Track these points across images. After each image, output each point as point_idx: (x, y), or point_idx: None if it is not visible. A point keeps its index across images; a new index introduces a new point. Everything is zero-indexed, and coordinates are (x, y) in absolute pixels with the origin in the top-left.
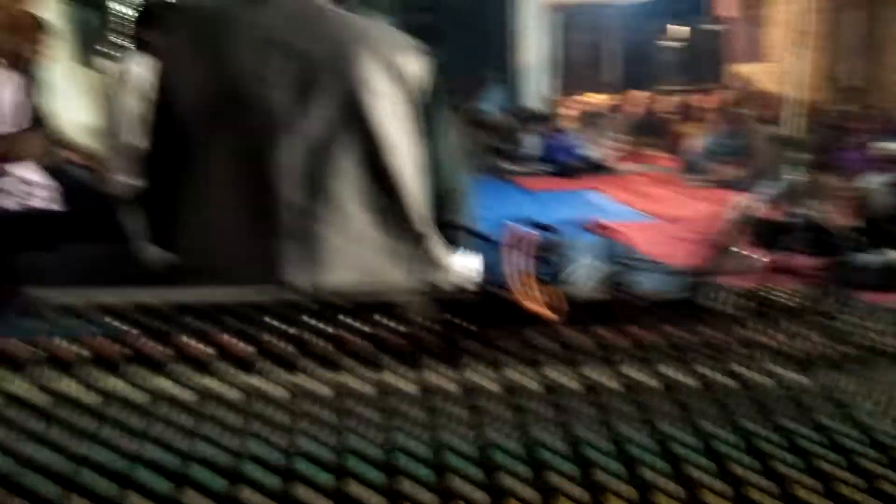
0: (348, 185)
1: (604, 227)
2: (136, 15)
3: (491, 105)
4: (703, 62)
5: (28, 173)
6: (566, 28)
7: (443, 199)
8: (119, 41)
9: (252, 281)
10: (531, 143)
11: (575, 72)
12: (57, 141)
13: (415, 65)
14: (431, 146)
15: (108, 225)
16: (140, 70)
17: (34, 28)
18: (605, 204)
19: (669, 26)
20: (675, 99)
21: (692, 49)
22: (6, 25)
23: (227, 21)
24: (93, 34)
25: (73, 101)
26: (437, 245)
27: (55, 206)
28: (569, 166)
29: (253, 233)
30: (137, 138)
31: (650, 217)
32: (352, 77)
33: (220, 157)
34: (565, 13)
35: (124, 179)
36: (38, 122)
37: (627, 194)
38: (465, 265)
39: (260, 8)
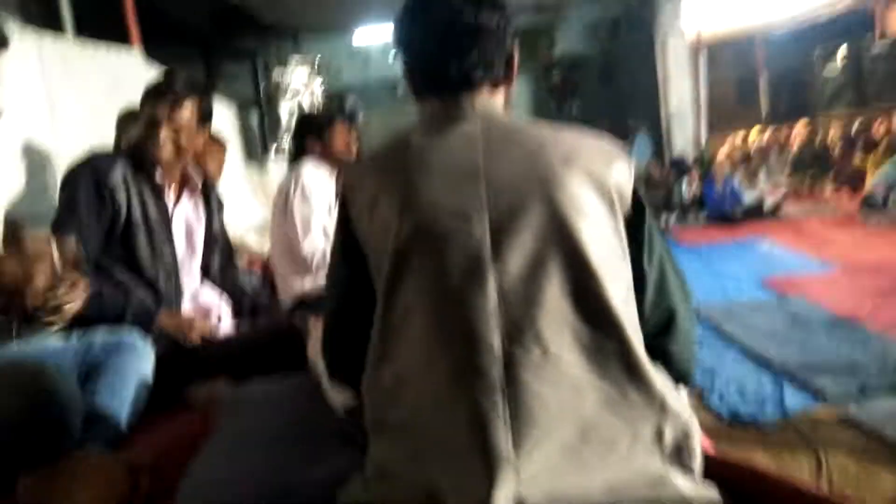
0: (556, 323)
1: (785, 283)
2: (299, 122)
3: (640, 155)
4: (874, 84)
5: (209, 295)
6: (712, 65)
7: (659, 327)
8: (281, 143)
9: (452, 439)
10: (687, 191)
11: (726, 110)
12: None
13: (622, 175)
14: (642, 265)
15: (285, 348)
16: (309, 175)
17: (220, 152)
18: (777, 254)
19: (829, 48)
20: (843, 127)
21: (859, 71)
22: (196, 156)
23: (417, 152)
24: (257, 136)
25: (240, 202)
26: (664, 386)
27: (232, 327)
28: (731, 213)
29: (451, 384)
30: (310, 243)
31: (831, 265)
32: (557, 199)
33: (412, 299)
34: (709, 50)
35: (300, 285)
36: (224, 241)
37: (801, 240)
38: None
39: (451, 134)
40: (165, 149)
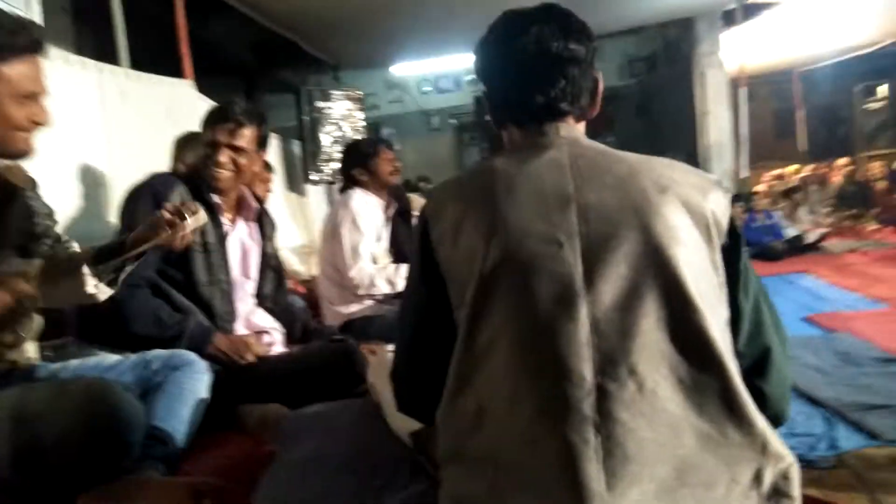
0: (652, 356)
1: (830, 319)
2: (345, 153)
3: None
4: None
5: (262, 318)
6: (750, 99)
7: (753, 365)
8: (322, 170)
9: (539, 475)
10: None
11: (765, 145)
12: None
13: (718, 204)
14: (737, 300)
15: (338, 371)
16: (359, 203)
17: (268, 178)
18: (822, 290)
19: (870, 85)
20: (884, 165)
21: None
22: (250, 182)
23: (504, 177)
24: (299, 164)
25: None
26: (765, 426)
27: (284, 351)
28: (772, 248)
29: (539, 417)
30: (359, 270)
31: (878, 303)
32: (653, 227)
33: (498, 327)
34: (749, 84)
35: (346, 310)
36: (277, 265)
37: (845, 276)
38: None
39: (537, 160)
40: (224, 171)
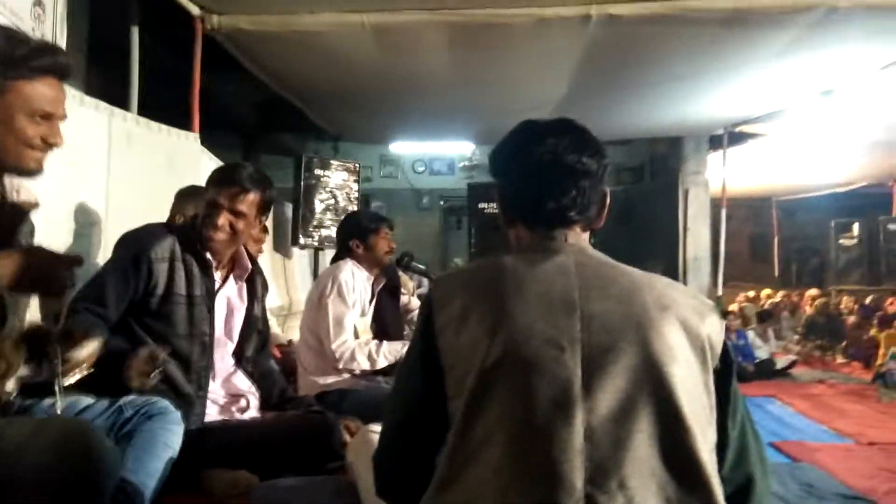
0: (642, 472)
1: (796, 449)
2: (345, 222)
3: None
4: (889, 262)
5: (241, 380)
6: (729, 220)
7: (735, 492)
8: (311, 234)
9: None
10: None
11: (740, 265)
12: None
13: (714, 328)
14: (725, 425)
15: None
16: (348, 275)
17: (261, 239)
18: (788, 417)
19: (844, 222)
20: (855, 300)
21: (874, 247)
22: (251, 239)
23: (512, 275)
24: (289, 226)
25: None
26: None
27: (257, 414)
28: (743, 370)
29: None
30: (341, 342)
31: (842, 437)
32: (652, 344)
33: (493, 424)
34: (729, 206)
35: (322, 381)
36: (262, 328)
37: (812, 406)
38: None
39: (546, 264)
40: (220, 233)
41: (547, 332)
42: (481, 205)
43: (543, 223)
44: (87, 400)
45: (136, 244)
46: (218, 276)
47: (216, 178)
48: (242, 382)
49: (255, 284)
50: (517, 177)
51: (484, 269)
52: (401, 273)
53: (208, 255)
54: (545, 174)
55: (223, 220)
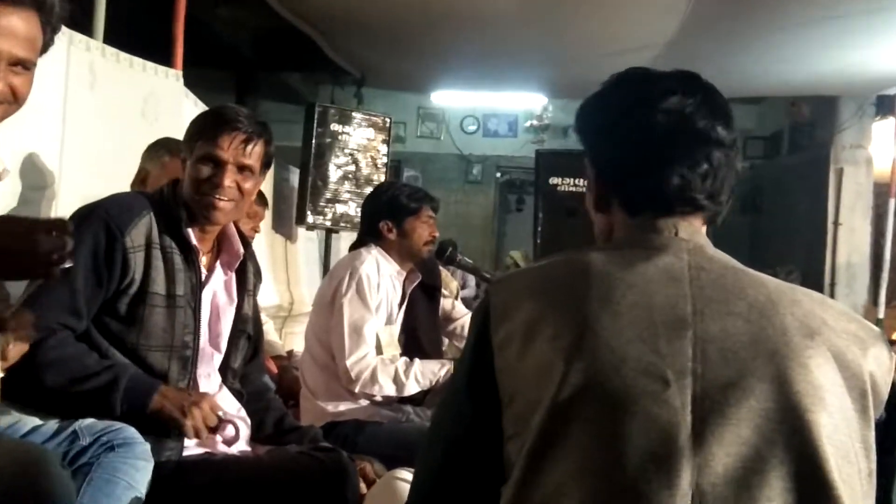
0: None
1: None
2: (375, 195)
3: None
4: None
5: (228, 404)
6: None
7: None
8: (323, 211)
9: None
10: None
11: None
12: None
13: (881, 365)
14: (890, 498)
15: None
16: (371, 268)
17: (258, 213)
18: None
19: None
20: None
21: None
22: (245, 214)
23: (600, 280)
24: (294, 198)
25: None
26: None
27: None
28: None
29: None
30: (358, 357)
31: None
32: (792, 382)
33: (566, 480)
34: None
35: (332, 408)
36: (253, 332)
37: None
38: None
39: (648, 265)
40: (228, 198)
41: (645, 359)
42: (553, 179)
43: (654, 207)
44: (31, 420)
45: (105, 226)
46: (203, 265)
47: (209, 122)
48: (230, 404)
49: (246, 274)
50: (627, 142)
51: (560, 269)
52: (441, 269)
53: (193, 240)
54: (668, 141)
55: (230, 179)
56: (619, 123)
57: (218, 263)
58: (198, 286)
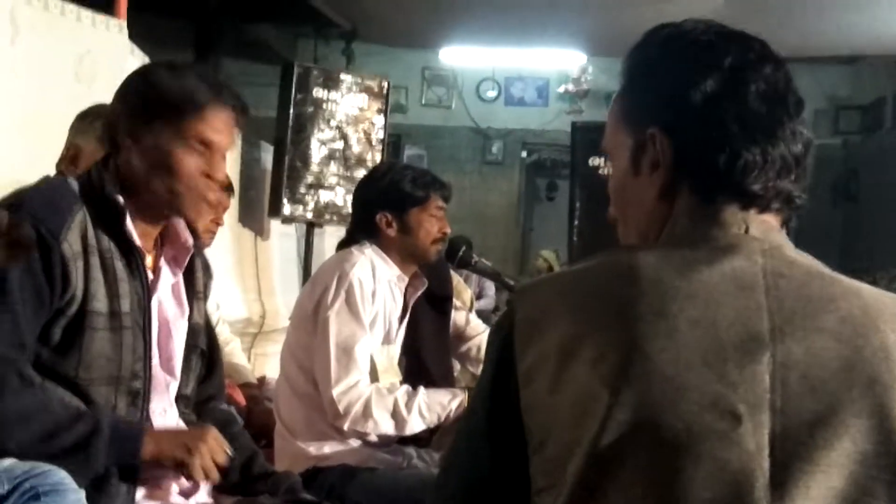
0: None
1: None
2: (369, 180)
3: None
4: None
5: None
6: None
7: None
8: (304, 199)
9: None
10: None
11: None
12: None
13: None
14: None
15: None
16: (365, 272)
17: (224, 201)
18: None
19: None
20: None
21: None
22: None
23: (652, 289)
24: (267, 183)
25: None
26: None
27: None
28: None
29: None
30: (347, 385)
31: None
32: None
33: None
34: None
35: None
36: (207, 348)
37: None
38: None
39: (713, 269)
40: (222, 200)
41: (711, 389)
42: (594, 160)
43: (734, 194)
44: None
45: (35, 233)
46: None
47: (188, 89)
48: None
49: (194, 273)
50: (717, 114)
51: (602, 274)
52: (453, 274)
53: (136, 238)
54: (764, 117)
55: (222, 172)
56: (713, 92)
57: (163, 262)
58: (145, 298)
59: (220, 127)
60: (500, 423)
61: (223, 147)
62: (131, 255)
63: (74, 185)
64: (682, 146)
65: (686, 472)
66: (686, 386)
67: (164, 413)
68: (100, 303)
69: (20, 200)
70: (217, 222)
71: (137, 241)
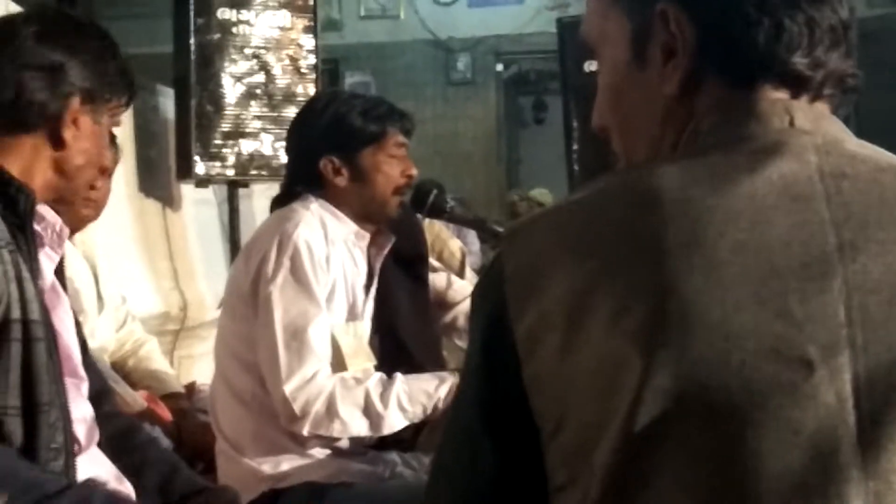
0: None
1: None
2: (303, 119)
3: None
4: None
5: (98, 462)
6: None
7: None
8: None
9: None
10: None
11: None
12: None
13: None
14: None
15: None
16: (313, 234)
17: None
18: None
19: None
20: None
21: None
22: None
23: (682, 211)
24: (171, 137)
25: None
26: None
27: None
28: None
29: None
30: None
31: None
32: None
33: None
34: None
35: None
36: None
37: None
38: None
39: (755, 177)
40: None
41: (770, 331)
42: (591, 65)
43: (785, 75)
44: None
45: None
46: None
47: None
48: (102, 466)
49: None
50: None
51: (612, 200)
52: (427, 225)
53: (36, 224)
54: None
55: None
56: None
57: (44, 247)
58: (41, 300)
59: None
60: (498, 411)
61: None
62: (29, 246)
63: None
64: (706, 22)
65: (749, 441)
66: (738, 332)
67: (85, 422)
68: (14, 310)
69: None
70: (101, 200)
71: (37, 227)
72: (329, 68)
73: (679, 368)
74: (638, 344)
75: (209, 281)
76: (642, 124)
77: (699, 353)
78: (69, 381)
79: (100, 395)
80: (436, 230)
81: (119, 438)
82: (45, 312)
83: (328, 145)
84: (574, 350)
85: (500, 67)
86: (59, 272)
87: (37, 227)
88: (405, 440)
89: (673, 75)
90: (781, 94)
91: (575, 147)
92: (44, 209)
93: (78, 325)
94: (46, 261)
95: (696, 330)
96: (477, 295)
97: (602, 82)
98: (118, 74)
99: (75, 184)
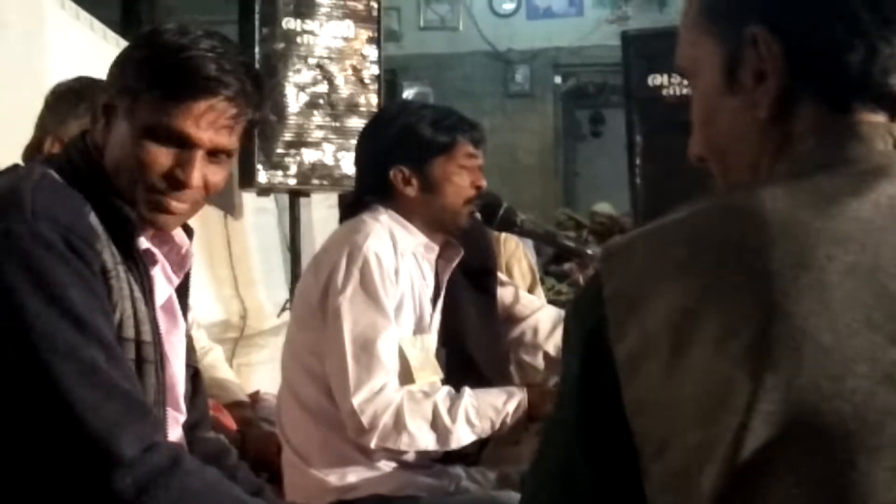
0: None
1: None
2: (374, 127)
3: None
4: None
5: None
6: None
7: None
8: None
9: None
10: None
11: None
12: None
13: None
14: None
15: None
16: (383, 247)
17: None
18: None
19: None
20: None
21: None
22: None
23: (785, 237)
24: None
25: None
26: None
27: None
28: None
29: None
30: (371, 391)
31: None
32: None
33: None
34: None
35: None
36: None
37: None
38: None
39: (862, 200)
40: (189, 199)
41: (884, 358)
42: (655, 78)
43: (883, 97)
44: None
45: (60, 235)
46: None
47: (172, 66)
48: None
49: (186, 278)
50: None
51: (713, 223)
52: (502, 240)
53: (146, 244)
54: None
55: (198, 171)
56: None
57: (159, 271)
58: (154, 321)
59: (199, 119)
60: (596, 432)
61: (204, 143)
62: (138, 268)
63: (61, 178)
64: (797, 46)
65: (861, 469)
66: (850, 357)
67: None
68: (127, 329)
69: (12, 202)
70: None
71: (145, 247)
72: (388, 79)
73: (789, 393)
74: (745, 367)
75: (268, 289)
76: (738, 149)
77: (810, 378)
78: (170, 412)
79: (200, 421)
80: (511, 248)
81: (210, 461)
82: (157, 335)
83: (398, 155)
84: (679, 372)
85: (558, 80)
86: (183, 296)
87: (152, 247)
88: (470, 454)
89: (764, 99)
90: (880, 117)
91: (638, 161)
92: (176, 232)
93: (190, 350)
94: (164, 282)
95: (807, 354)
96: (571, 317)
97: (696, 110)
98: None
99: None
